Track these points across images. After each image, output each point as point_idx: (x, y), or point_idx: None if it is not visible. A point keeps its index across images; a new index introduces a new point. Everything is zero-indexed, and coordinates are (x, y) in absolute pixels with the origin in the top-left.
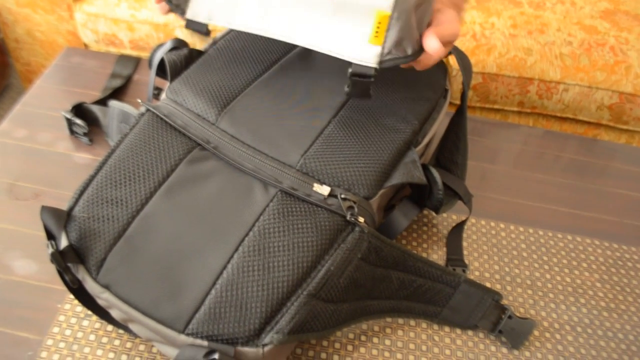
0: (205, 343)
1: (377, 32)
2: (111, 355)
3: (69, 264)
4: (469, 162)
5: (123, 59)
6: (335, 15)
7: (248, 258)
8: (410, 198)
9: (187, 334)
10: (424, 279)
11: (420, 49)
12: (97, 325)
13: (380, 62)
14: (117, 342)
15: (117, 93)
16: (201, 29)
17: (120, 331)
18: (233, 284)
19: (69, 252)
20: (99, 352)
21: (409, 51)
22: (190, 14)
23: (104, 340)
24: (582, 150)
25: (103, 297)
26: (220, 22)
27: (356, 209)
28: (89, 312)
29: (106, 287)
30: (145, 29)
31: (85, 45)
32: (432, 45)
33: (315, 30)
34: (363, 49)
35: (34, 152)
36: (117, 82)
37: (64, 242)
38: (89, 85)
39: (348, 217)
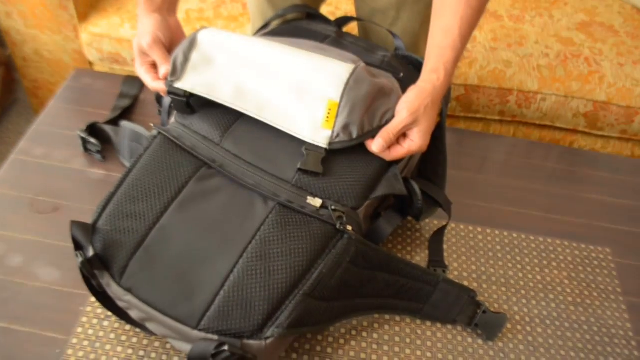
0: (215, 337)
1: (327, 117)
2: (130, 351)
3: (95, 271)
4: (452, 171)
5: (129, 79)
6: (296, 101)
7: (251, 263)
8: (394, 207)
9: (200, 330)
10: (407, 279)
11: (365, 134)
12: (117, 325)
13: (330, 144)
14: (134, 340)
15: (126, 112)
16: (180, 96)
17: (138, 330)
18: (239, 285)
19: (95, 261)
20: (119, 348)
21: (354, 135)
22: (179, 84)
23: (123, 338)
24: (555, 157)
25: (125, 299)
26: (203, 93)
27: (345, 219)
28: (109, 314)
29: (129, 290)
30: None
31: (90, 64)
32: (373, 147)
33: (279, 112)
34: (317, 132)
35: (51, 169)
36: (126, 102)
37: (90, 252)
38: (98, 105)
39: (338, 226)
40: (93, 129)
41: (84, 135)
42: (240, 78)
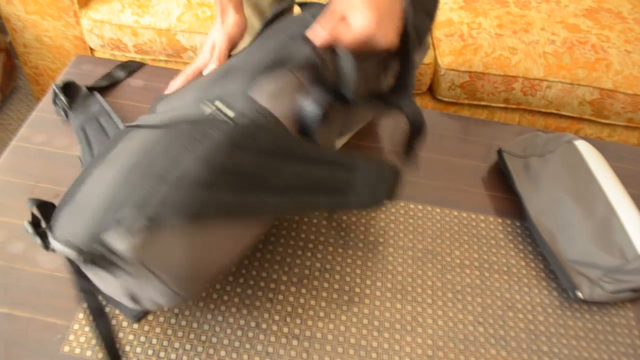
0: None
1: None
2: (131, 337)
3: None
4: (457, 159)
5: (133, 63)
6: None
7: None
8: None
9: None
10: (319, 166)
11: None
12: (117, 311)
13: None
14: (135, 326)
15: (114, 86)
16: None
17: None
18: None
19: (36, 223)
20: (120, 334)
21: None
22: None
23: (124, 324)
24: None
25: (62, 250)
26: None
27: (221, 106)
28: None
29: (62, 241)
30: (149, 33)
31: (92, 50)
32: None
33: None
34: None
35: (52, 155)
36: (121, 74)
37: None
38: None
39: (207, 114)
40: (68, 87)
41: (57, 90)
42: None
